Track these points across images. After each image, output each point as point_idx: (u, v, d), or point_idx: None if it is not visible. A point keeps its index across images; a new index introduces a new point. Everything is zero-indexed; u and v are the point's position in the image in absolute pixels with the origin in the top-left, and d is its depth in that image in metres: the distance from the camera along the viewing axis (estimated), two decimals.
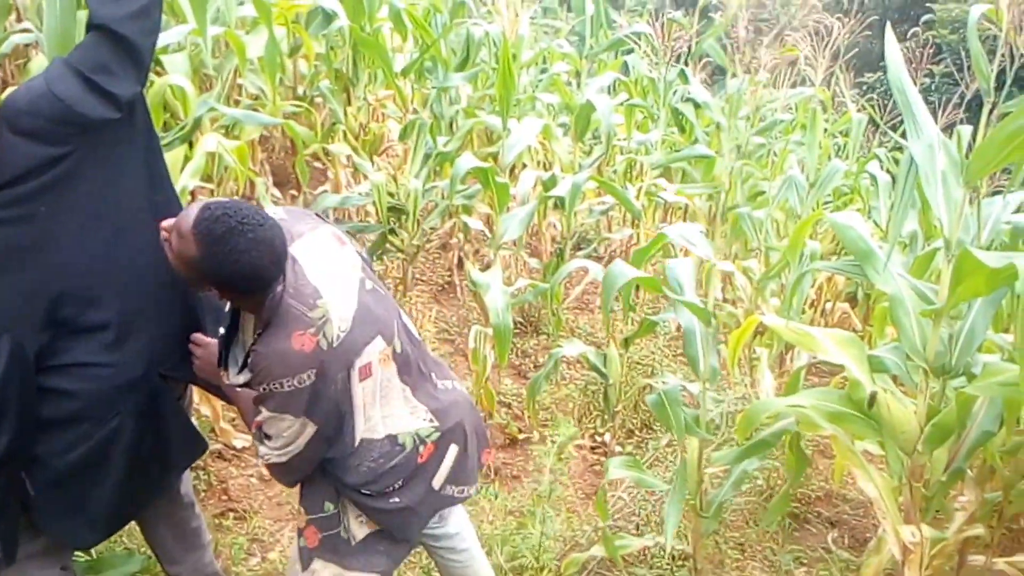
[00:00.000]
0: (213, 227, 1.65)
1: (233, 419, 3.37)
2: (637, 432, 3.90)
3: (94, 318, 1.84)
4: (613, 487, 3.42)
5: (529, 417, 3.80)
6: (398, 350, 1.91)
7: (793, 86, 4.96)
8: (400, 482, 1.95)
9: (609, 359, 3.65)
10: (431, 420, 1.98)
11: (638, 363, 4.31)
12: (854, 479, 2.41)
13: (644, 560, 3.08)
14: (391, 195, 4.18)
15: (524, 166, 4.83)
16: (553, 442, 3.67)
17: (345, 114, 4.47)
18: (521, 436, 3.87)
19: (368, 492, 1.94)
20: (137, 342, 1.89)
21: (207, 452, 2.40)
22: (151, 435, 1.95)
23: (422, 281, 5.14)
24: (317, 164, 5.01)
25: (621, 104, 4.89)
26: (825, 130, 4.96)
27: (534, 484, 3.51)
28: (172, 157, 2.67)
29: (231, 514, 3.06)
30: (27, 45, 3.02)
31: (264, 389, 1.77)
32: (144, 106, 1.94)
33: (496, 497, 3.38)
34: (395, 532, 2.03)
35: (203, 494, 3.04)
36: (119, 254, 1.87)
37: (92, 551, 2.42)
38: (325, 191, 4.58)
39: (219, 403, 3.15)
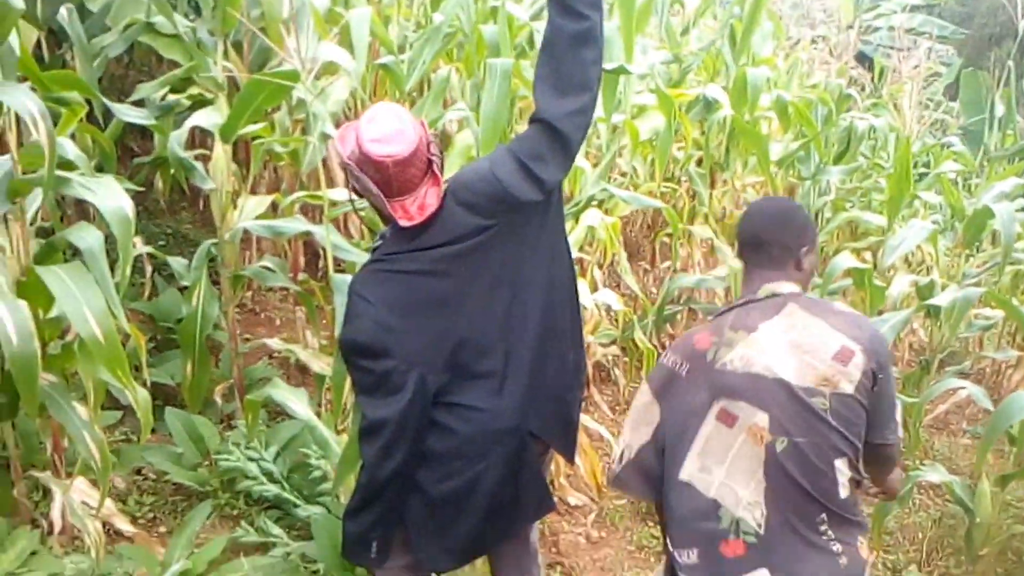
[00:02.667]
0: None
1: (570, 475, 3.52)
2: None
3: (485, 366, 2.05)
4: None
5: (873, 540, 3.47)
6: (778, 449, 1.78)
7: None
8: (695, 553, 1.84)
9: (979, 495, 3.24)
10: (760, 524, 1.80)
11: (1010, 504, 3.76)
12: None
13: None
14: None
15: (895, 267, 4.51)
16: (897, 571, 3.34)
17: (710, 197, 4.53)
18: None
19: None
20: (514, 396, 2.06)
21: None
22: (510, 484, 2.10)
23: None
24: (665, 240, 5.12)
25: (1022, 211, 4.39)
26: None
27: None
28: None
29: (559, 567, 3.18)
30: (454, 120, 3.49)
31: None
32: (560, 190, 2.14)
33: None
34: None
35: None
36: (513, 315, 2.06)
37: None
38: (674, 268, 4.67)
39: (562, 461, 3.30)
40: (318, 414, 2.80)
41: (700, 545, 1.84)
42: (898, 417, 1.90)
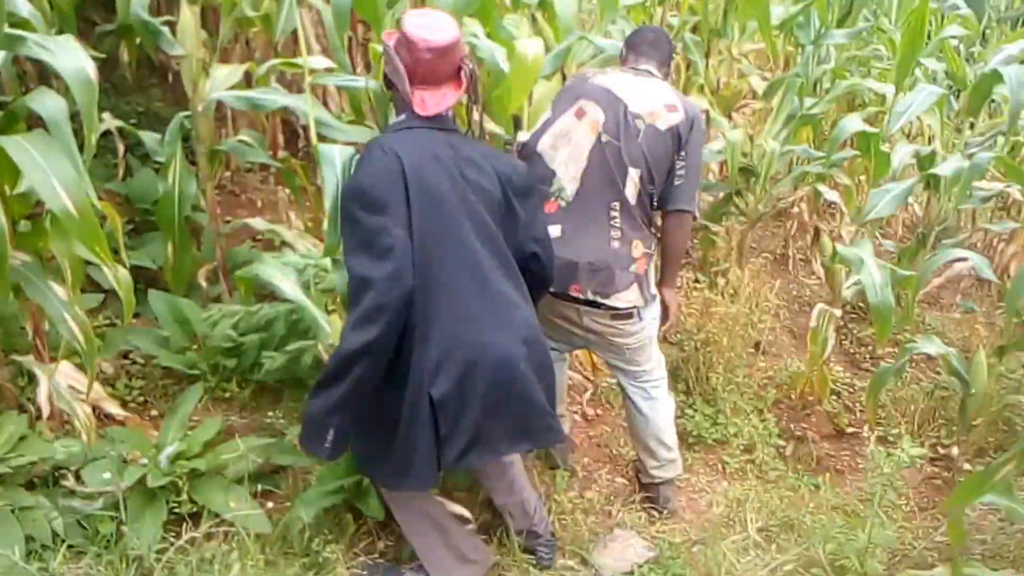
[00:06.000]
0: None
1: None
2: (991, 453, 3.44)
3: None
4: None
5: (867, 412, 3.51)
6: (603, 140, 2.51)
7: None
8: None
9: (975, 366, 3.24)
10: (572, 195, 2.52)
11: (1003, 375, 3.78)
12: None
13: None
14: (744, 155, 4.00)
15: (894, 137, 4.38)
16: (889, 442, 3.38)
17: (706, 67, 4.33)
18: (849, 429, 3.60)
19: None
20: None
21: None
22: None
23: (754, 249, 4.94)
24: None
25: None
26: None
27: (860, 482, 3.26)
28: None
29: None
30: None
31: None
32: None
33: (818, 488, 3.18)
34: None
35: None
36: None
37: None
38: None
39: None
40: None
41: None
42: (695, 194, 2.63)
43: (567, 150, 2.53)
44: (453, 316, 2.04)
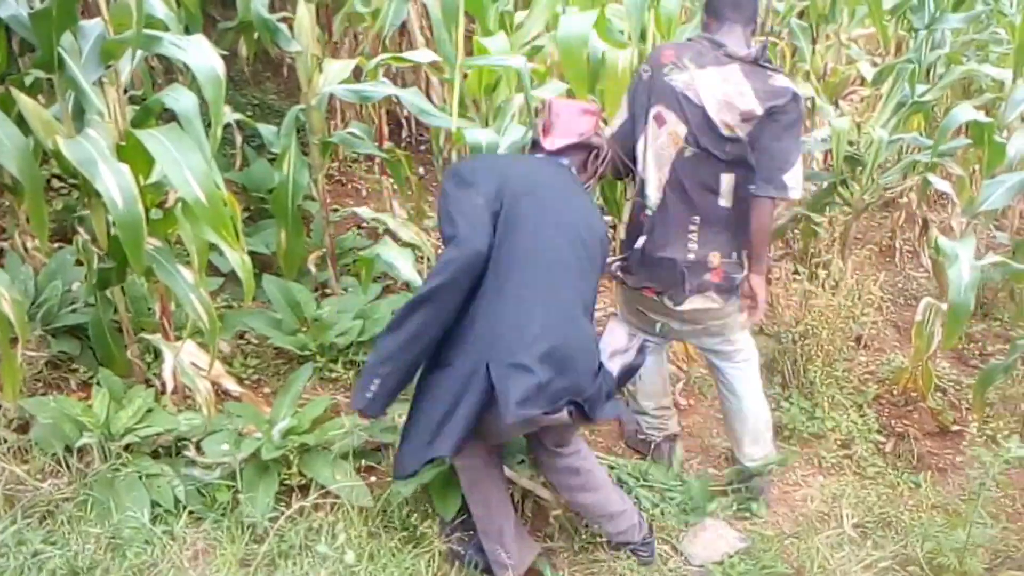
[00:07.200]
0: None
1: None
2: None
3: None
4: None
5: (973, 410, 3.39)
6: (686, 155, 2.47)
7: None
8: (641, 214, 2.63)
9: None
10: (655, 204, 2.54)
11: None
12: None
13: None
14: (850, 144, 3.90)
15: (1011, 126, 4.17)
16: (995, 441, 3.26)
17: (812, 53, 4.24)
18: (954, 427, 3.49)
19: None
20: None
21: None
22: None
23: (858, 240, 4.80)
24: None
25: None
26: None
27: (963, 481, 3.16)
28: None
29: None
30: None
31: None
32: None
33: (918, 486, 3.10)
34: None
35: None
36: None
37: None
38: None
39: None
40: None
41: (635, 211, 2.65)
42: (787, 180, 2.47)
43: (652, 154, 2.55)
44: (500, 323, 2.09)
